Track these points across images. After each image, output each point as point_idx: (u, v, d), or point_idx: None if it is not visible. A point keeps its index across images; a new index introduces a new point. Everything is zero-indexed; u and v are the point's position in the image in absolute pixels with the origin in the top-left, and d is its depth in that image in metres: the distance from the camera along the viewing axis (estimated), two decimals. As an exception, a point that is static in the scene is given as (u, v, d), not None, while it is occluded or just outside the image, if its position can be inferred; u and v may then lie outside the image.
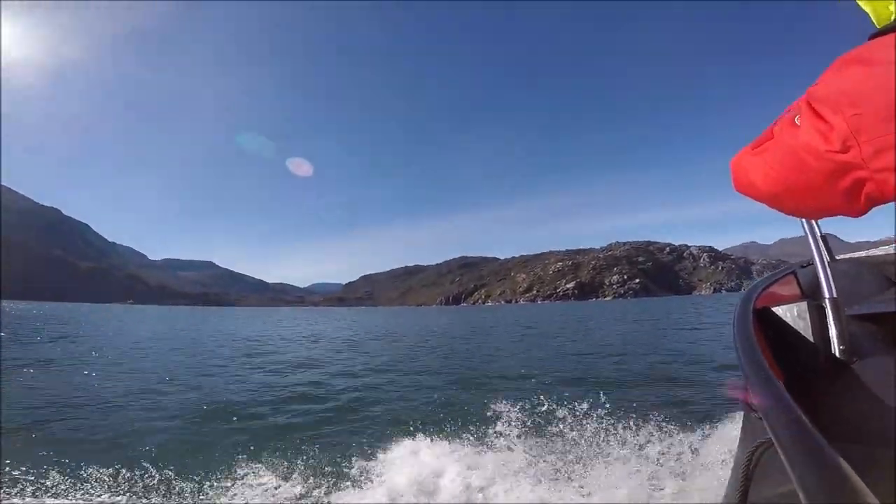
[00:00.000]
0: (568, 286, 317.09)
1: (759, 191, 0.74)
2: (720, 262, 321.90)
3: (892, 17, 0.60)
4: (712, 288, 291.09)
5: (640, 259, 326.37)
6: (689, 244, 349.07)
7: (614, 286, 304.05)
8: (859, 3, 0.66)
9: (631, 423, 4.62)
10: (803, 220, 1.14)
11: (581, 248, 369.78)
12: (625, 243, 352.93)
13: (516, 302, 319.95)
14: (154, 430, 5.07)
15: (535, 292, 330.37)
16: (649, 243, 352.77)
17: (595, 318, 30.35)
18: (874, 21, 0.64)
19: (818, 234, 1.22)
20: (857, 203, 0.60)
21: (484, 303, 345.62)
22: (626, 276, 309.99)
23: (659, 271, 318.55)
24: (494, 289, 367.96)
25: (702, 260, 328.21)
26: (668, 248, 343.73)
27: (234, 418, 5.52)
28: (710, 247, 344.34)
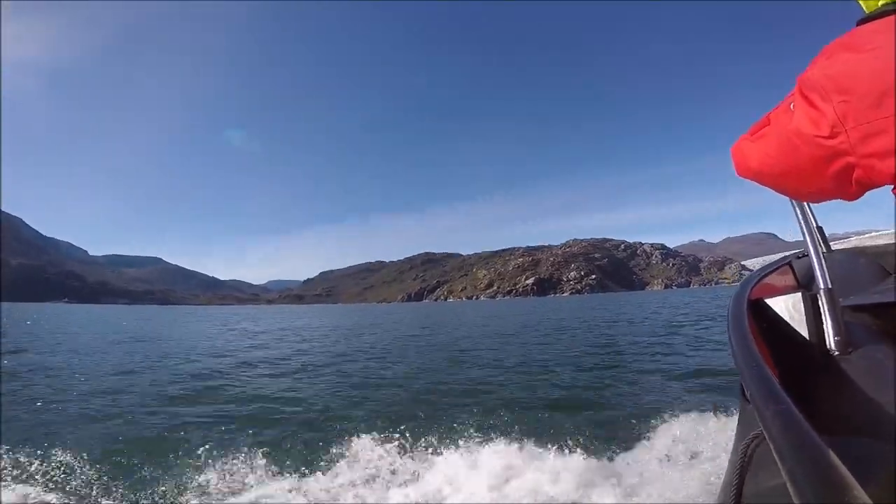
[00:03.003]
0: (527, 282, 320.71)
1: (759, 175, 0.76)
2: (671, 259, 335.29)
3: (881, 4, 0.60)
4: (664, 284, 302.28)
5: (597, 256, 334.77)
6: (643, 242, 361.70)
7: (571, 282, 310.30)
8: None
9: (612, 412, 4.67)
10: (797, 210, 1.15)
11: (541, 244, 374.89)
12: (582, 240, 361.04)
13: (477, 298, 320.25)
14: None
15: (495, 288, 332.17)
16: (605, 240, 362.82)
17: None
18: (863, 8, 0.64)
19: (813, 224, 1.19)
20: (848, 188, 0.61)
21: (446, 299, 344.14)
22: (582, 273, 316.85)
23: (614, 268, 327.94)
24: (456, 285, 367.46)
25: (654, 257, 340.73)
26: (622, 246, 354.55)
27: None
28: (661, 244, 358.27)
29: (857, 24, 0.60)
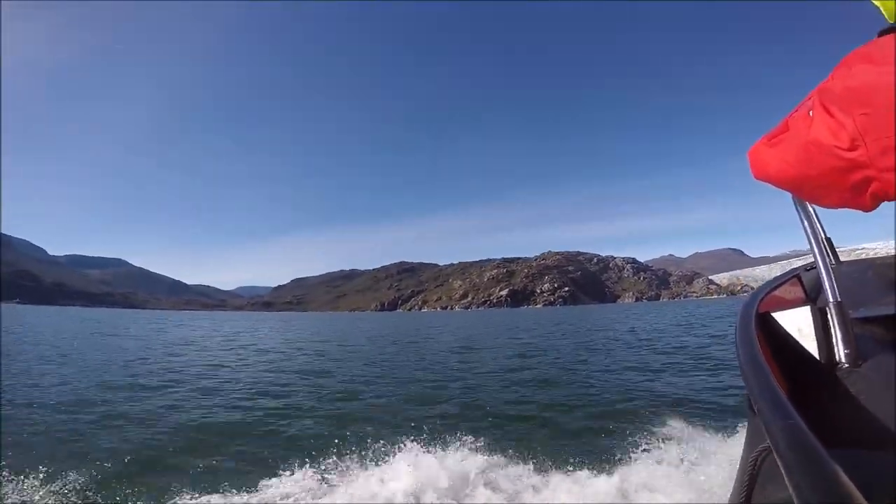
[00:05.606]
0: (502, 293, 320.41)
1: (777, 180, 0.79)
2: (642, 273, 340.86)
3: None
4: (634, 297, 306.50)
5: (570, 268, 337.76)
6: (615, 255, 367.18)
7: (545, 294, 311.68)
8: None
9: (624, 424, 4.72)
10: (805, 221, 1.13)
11: (516, 256, 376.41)
12: (556, 253, 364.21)
13: (452, 308, 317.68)
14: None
15: (470, 299, 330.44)
16: (578, 253, 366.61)
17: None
18: (886, 16, 0.63)
19: (821, 237, 1.17)
20: (864, 199, 0.62)
21: (420, 309, 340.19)
22: (556, 285, 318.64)
23: (587, 280, 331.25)
24: (431, 295, 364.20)
25: (625, 271, 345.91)
26: (595, 259, 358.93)
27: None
28: (632, 258, 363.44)
29: (878, 35, 0.60)
